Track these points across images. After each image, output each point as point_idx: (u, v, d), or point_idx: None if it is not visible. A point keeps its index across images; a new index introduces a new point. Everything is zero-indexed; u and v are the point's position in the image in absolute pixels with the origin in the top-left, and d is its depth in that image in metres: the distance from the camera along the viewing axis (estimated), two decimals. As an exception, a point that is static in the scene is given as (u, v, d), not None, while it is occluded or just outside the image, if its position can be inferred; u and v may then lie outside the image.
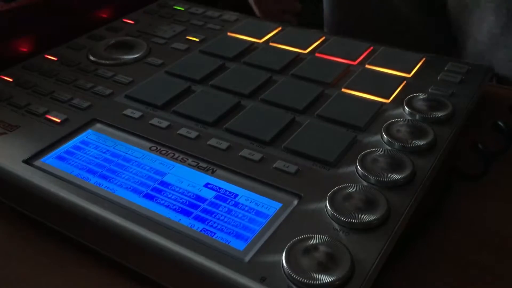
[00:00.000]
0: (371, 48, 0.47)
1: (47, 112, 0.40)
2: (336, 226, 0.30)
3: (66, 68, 0.45)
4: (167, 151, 0.36)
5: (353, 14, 0.69)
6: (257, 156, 0.35)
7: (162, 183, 0.33)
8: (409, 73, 0.43)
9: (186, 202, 0.32)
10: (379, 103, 0.40)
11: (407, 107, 0.39)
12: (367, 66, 0.45)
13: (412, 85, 0.42)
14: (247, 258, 0.28)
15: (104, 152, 0.36)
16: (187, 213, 0.31)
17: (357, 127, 0.37)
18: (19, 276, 0.33)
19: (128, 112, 0.39)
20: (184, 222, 0.31)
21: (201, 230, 0.30)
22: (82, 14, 0.53)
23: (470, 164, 0.38)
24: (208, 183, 0.33)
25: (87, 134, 0.38)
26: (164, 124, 0.38)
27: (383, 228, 0.30)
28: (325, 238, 0.28)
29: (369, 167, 0.33)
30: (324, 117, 0.39)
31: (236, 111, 0.39)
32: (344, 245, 0.28)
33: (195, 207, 0.32)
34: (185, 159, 0.35)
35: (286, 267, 0.27)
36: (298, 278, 0.26)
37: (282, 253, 0.28)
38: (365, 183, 0.32)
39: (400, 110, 0.39)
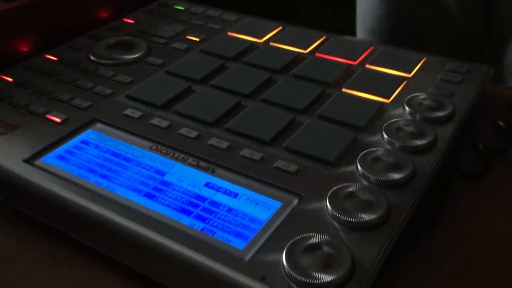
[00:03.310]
0: (372, 47, 0.47)
1: (47, 112, 0.40)
2: (336, 225, 0.30)
3: (67, 68, 0.45)
4: (168, 151, 0.36)
5: (405, 17, 0.69)
6: (257, 156, 0.35)
7: (163, 182, 0.33)
8: (410, 73, 0.43)
9: (186, 201, 0.32)
10: (380, 103, 0.40)
11: (407, 107, 0.39)
12: (367, 66, 0.45)
13: (412, 85, 0.42)
14: (247, 257, 0.28)
15: (104, 152, 0.36)
16: (187, 212, 0.31)
17: (357, 127, 0.37)
18: (19, 276, 0.33)
19: (128, 112, 0.39)
20: (185, 221, 0.31)
21: (201, 229, 0.30)
22: (82, 13, 0.53)
23: (470, 164, 0.38)
24: (208, 183, 0.33)
25: (88, 134, 0.38)
26: (165, 123, 0.38)
27: (383, 227, 0.30)
28: (325, 237, 0.28)
29: (370, 166, 0.33)
30: (325, 117, 0.39)
31: (236, 111, 0.39)
32: (345, 244, 0.28)
33: (196, 206, 0.32)
34: (186, 159, 0.35)
35: (286, 266, 0.27)
36: (299, 277, 0.27)
37: (283, 252, 0.28)
38: (365, 183, 0.32)
39: (400, 110, 0.39)
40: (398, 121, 0.37)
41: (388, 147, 0.35)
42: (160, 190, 0.33)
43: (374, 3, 0.69)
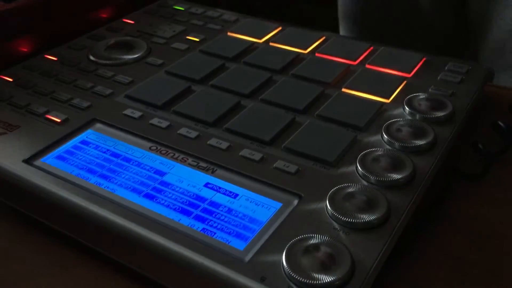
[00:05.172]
0: (371, 48, 0.47)
1: (47, 112, 0.39)
2: (336, 225, 0.30)
3: (66, 68, 0.45)
4: (167, 151, 0.36)
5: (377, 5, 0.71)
6: (257, 156, 0.35)
7: (162, 182, 0.33)
8: (409, 73, 0.43)
9: (186, 202, 0.32)
10: (379, 103, 0.40)
11: (407, 107, 0.39)
12: (367, 66, 0.45)
13: (412, 85, 0.42)
14: (247, 258, 0.28)
15: (104, 152, 0.36)
16: (187, 213, 0.31)
17: (357, 127, 0.37)
18: (19, 276, 0.33)
19: (128, 112, 0.39)
20: (184, 221, 0.31)
21: (201, 230, 0.30)
22: (82, 14, 0.53)
23: (470, 164, 0.38)
24: (208, 183, 0.33)
25: (87, 134, 0.38)
26: (164, 124, 0.38)
27: (383, 228, 0.30)
28: (325, 237, 0.28)
29: (369, 167, 0.33)
30: (324, 117, 0.39)
31: (236, 111, 0.39)
32: (344, 245, 0.28)
33: (195, 206, 0.32)
34: (185, 159, 0.35)
35: (286, 266, 0.27)
36: (298, 278, 0.26)
37: (282, 253, 0.28)
38: (365, 183, 0.32)
39: (400, 110, 0.39)
40: (398, 121, 0.37)
41: (388, 147, 0.35)
42: (159, 191, 0.33)
43: (351, 0, 0.71)
